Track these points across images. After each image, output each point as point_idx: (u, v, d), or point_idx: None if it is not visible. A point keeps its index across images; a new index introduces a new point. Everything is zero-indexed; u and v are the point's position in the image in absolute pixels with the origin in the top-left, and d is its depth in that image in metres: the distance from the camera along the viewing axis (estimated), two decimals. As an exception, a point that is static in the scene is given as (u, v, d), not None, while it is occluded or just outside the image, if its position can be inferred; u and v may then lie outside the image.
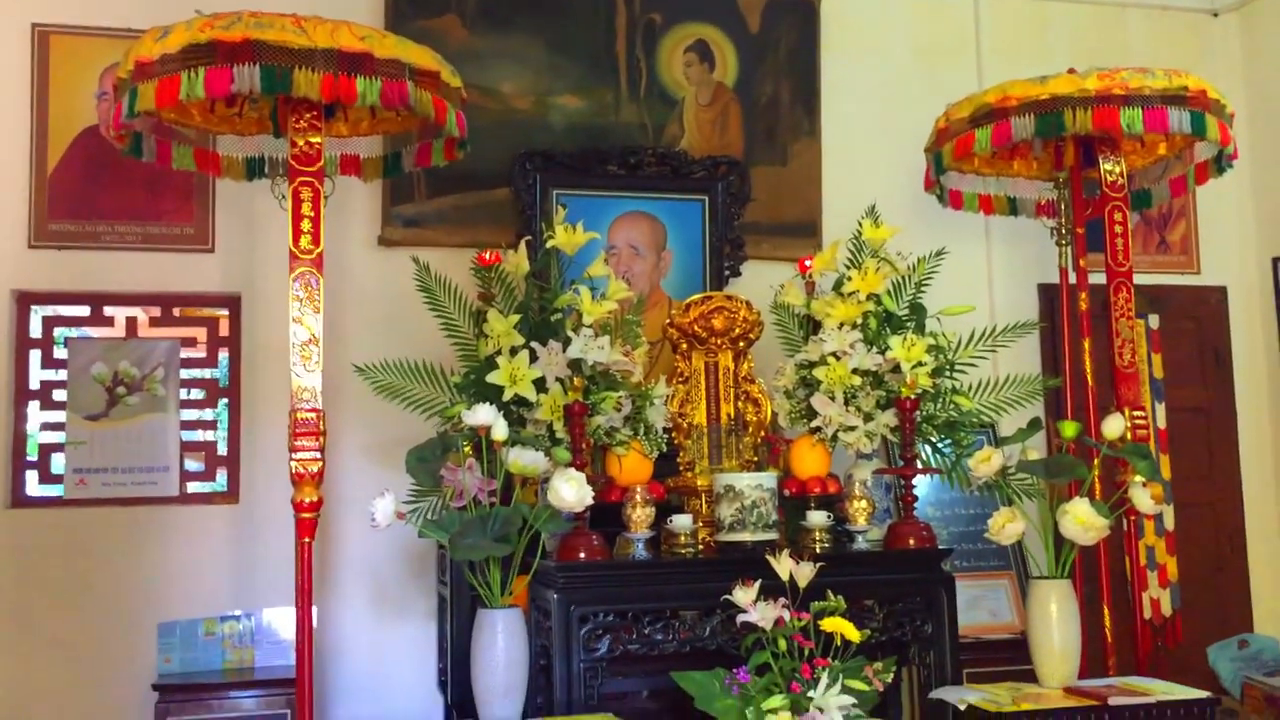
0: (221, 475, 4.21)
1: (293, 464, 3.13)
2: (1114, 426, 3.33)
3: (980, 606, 4.54)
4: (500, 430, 3.07)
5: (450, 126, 3.34)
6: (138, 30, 3.94)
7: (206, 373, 4.23)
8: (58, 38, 4.16)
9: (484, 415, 3.06)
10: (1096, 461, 3.47)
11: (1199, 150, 3.99)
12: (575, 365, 3.48)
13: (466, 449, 3.17)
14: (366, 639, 4.23)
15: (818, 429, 3.69)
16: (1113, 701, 3.06)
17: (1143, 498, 3.32)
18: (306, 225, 3.20)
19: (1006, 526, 3.34)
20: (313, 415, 3.15)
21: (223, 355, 4.25)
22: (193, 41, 2.98)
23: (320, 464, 3.15)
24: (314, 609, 3.25)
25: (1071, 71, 3.70)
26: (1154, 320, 5.06)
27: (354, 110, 3.61)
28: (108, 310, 4.16)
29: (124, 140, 3.44)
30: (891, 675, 3.18)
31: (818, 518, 3.54)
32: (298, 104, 3.19)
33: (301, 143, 3.21)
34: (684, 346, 3.81)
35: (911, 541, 3.53)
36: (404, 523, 3.13)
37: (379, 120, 3.68)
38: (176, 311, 4.22)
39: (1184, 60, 4.59)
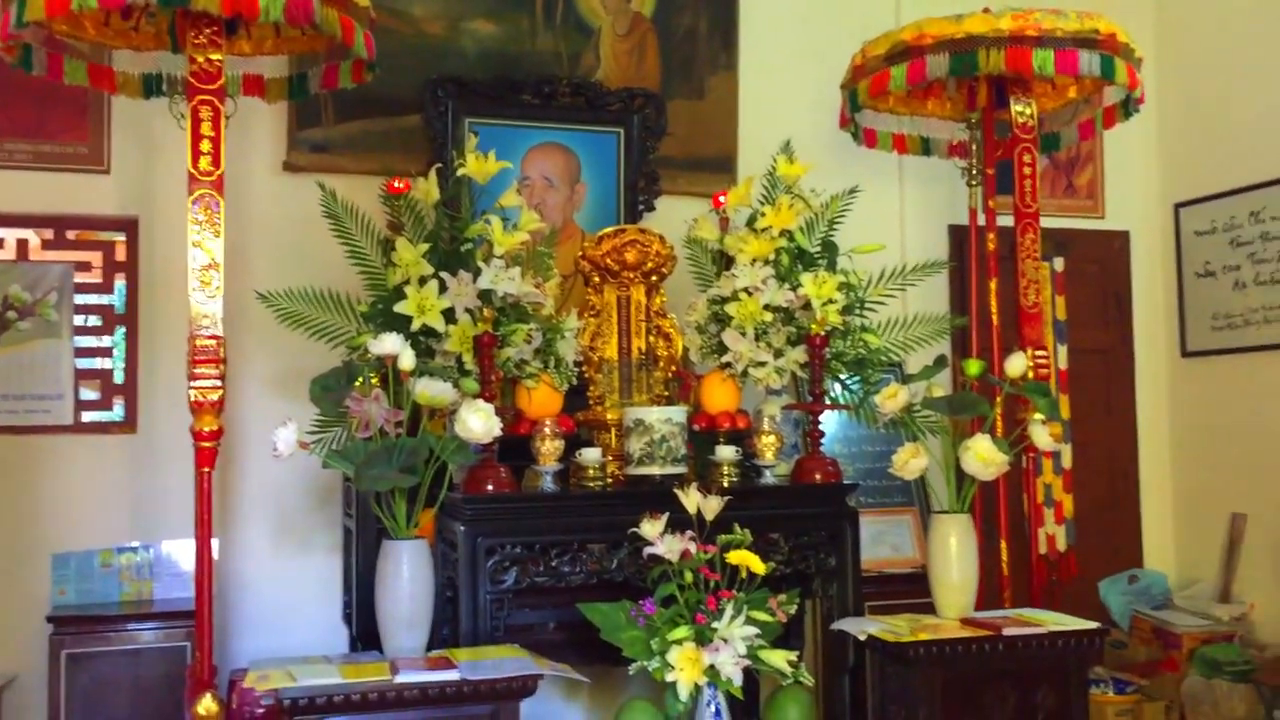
0: (119, 404, 4.09)
1: (192, 392, 3.05)
2: (1016, 365, 3.39)
3: (883, 541, 4.63)
4: (407, 360, 3.02)
5: (358, 47, 3.24)
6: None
7: (102, 298, 4.09)
8: (-61, -59, 3.92)
9: (391, 344, 3.01)
10: (999, 399, 3.54)
11: (1108, 94, 4.04)
12: (485, 296, 3.42)
13: (373, 379, 3.12)
14: (269, 571, 4.17)
15: (728, 364, 3.70)
16: (1007, 632, 3.14)
17: (1042, 435, 3.40)
18: (206, 146, 3.08)
19: (910, 462, 3.39)
20: (212, 342, 3.06)
21: (119, 281, 4.10)
22: (84, -51, 2.83)
23: (220, 392, 3.07)
24: (215, 541, 3.19)
25: (986, 11, 3.71)
26: (1059, 263, 5.15)
27: (257, 28, 3.47)
28: (-4, 231, 4.00)
29: (12, 52, 3.27)
30: (795, 607, 3.25)
31: (726, 452, 3.56)
32: (197, 18, 3.06)
33: (201, 59, 3.09)
34: (596, 280, 3.78)
35: (817, 476, 3.57)
36: (308, 453, 3.08)
37: (283, 39, 3.56)
38: (70, 234, 4.06)
39: (1096, 3, 4.62)
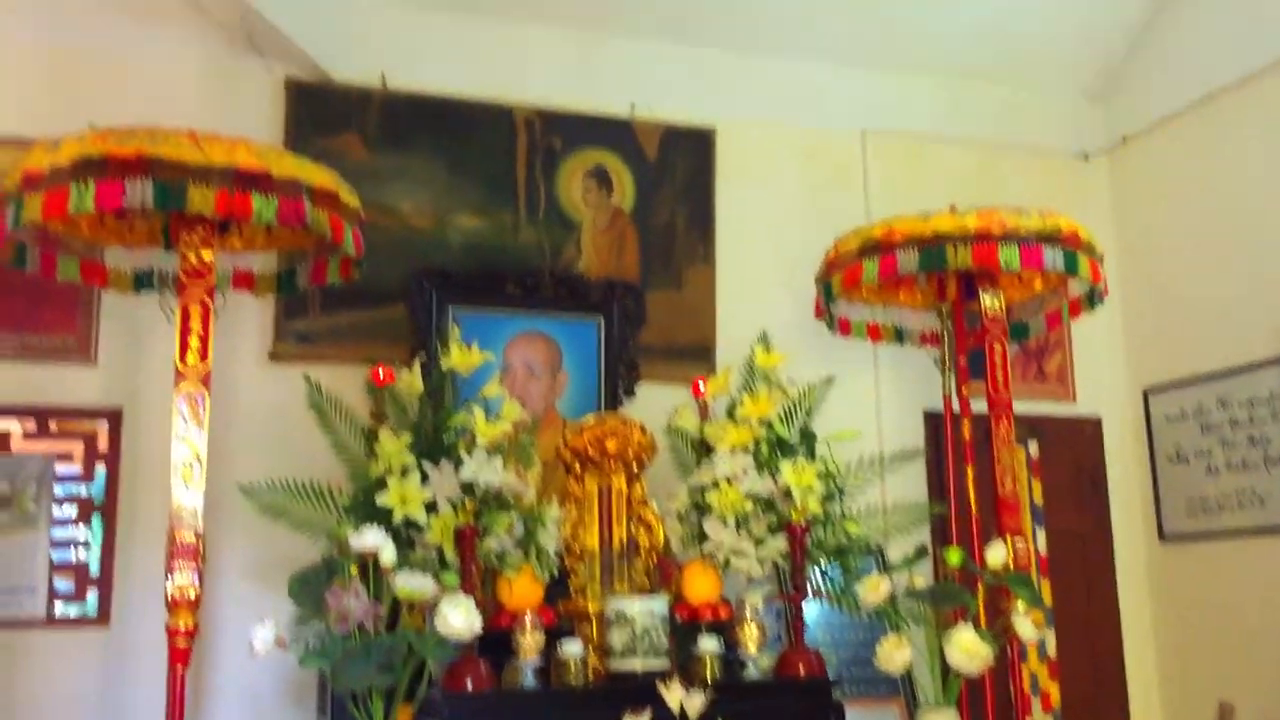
0: (92, 597, 4.02)
1: (169, 588, 3.01)
2: (997, 554, 3.41)
3: (869, 733, 4.53)
4: (389, 555, 3.02)
5: (347, 246, 3.34)
6: (26, 138, 3.94)
7: (82, 489, 4.07)
8: (-57, 144, 4.06)
9: (372, 539, 3.01)
10: (981, 589, 3.54)
11: (1072, 287, 4.18)
12: (467, 487, 3.44)
13: (352, 570, 3.10)
14: (240, 771, 4.04)
15: (710, 553, 3.70)
16: (999, 833, 3.06)
17: (1026, 626, 3.39)
18: (194, 342, 3.14)
19: (894, 654, 3.37)
20: (193, 538, 3.05)
21: (100, 470, 4.09)
22: (84, 155, 2.95)
23: (198, 589, 3.04)
24: (185, 741, 3.10)
25: (952, 209, 3.87)
26: (1033, 447, 5.22)
27: (249, 225, 3.58)
28: (-21, 423, 4.00)
29: (7, 251, 3.35)
30: (781, 807, 3.17)
31: (709, 644, 3.52)
32: (191, 219, 3.16)
33: (193, 257, 3.18)
34: (577, 468, 3.80)
35: (802, 670, 3.53)
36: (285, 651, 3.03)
37: (274, 236, 3.66)
38: (53, 425, 4.07)
39: (1057, 200, 4.81)
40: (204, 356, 3.15)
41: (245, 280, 3.76)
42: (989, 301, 3.96)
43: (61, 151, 2.96)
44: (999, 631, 3.42)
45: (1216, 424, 5.04)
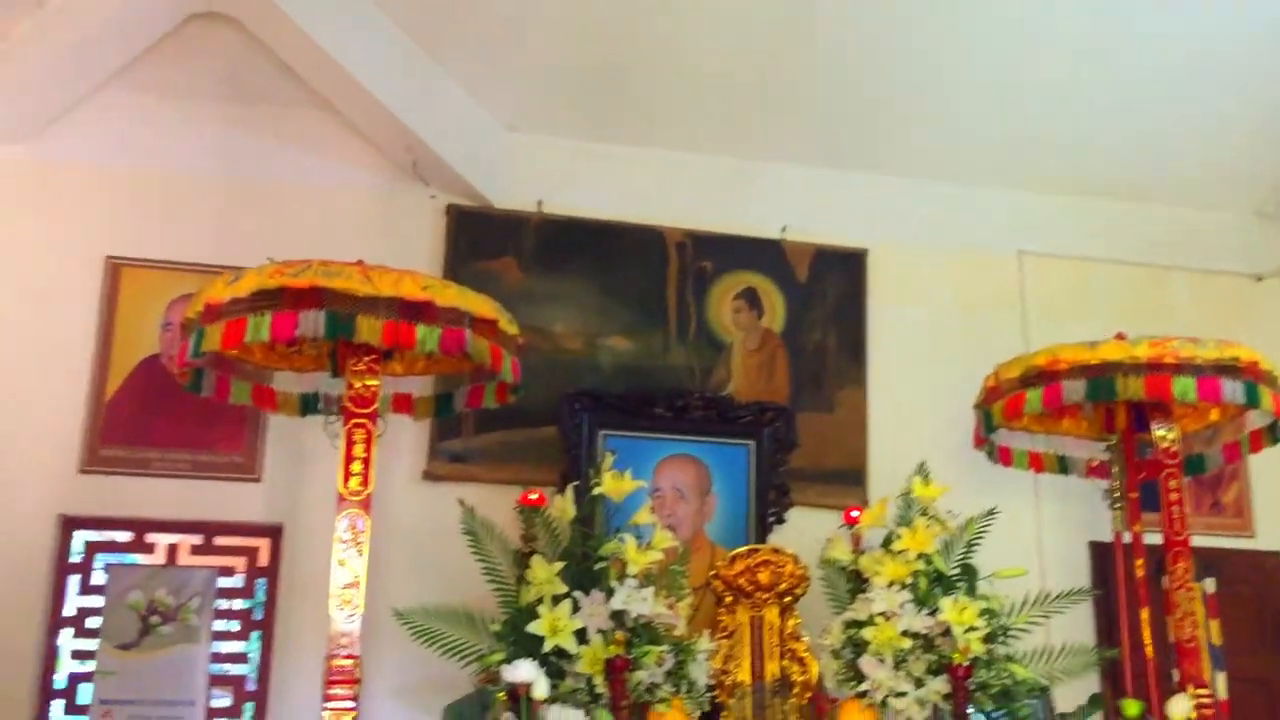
0: (249, 711, 4.08)
1: (325, 714, 3.03)
2: (1179, 708, 3.20)
3: None
4: (541, 689, 2.99)
5: (505, 372, 3.39)
6: (207, 265, 4.15)
7: (242, 603, 4.17)
8: (130, 270, 4.30)
9: (525, 672, 2.99)
10: (1160, 742, 3.32)
11: (1252, 418, 3.96)
12: (618, 617, 3.40)
13: (501, 697, 3.08)
14: None
15: (865, 692, 3.56)
16: None
17: (1213, 786, 3.15)
18: (357, 467, 3.21)
19: (1069, 811, 3.16)
20: (349, 662, 3.07)
21: (260, 585, 4.19)
22: (262, 287, 3.07)
23: (355, 714, 3.05)
24: None
25: (1120, 337, 3.73)
26: (1210, 584, 4.91)
27: (411, 351, 3.66)
28: (150, 537, 4.15)
29: (186, 377, 3.50)
30: None
31: (866, 790, 3.37)
32: (358, 346, 3.25)
33: (359, 385, 3.26)
34: (728, 599, 3.73)
35: (966, 821, 3.34)
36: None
37: (434, 361, 3.73)
38: (218, 540, 4.20)
39: (1227, 323, 4.63)
40: (365, 481, 3.21)
41: (404, 403, 3.84)
42: (1162, 434, 3.78)
43: (241, 284, 3.10)
44: (1183, 791, 3.19)
45: None
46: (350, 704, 3.05)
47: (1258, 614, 5.06)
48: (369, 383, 3.27)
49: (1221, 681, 4.80)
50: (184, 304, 3.58)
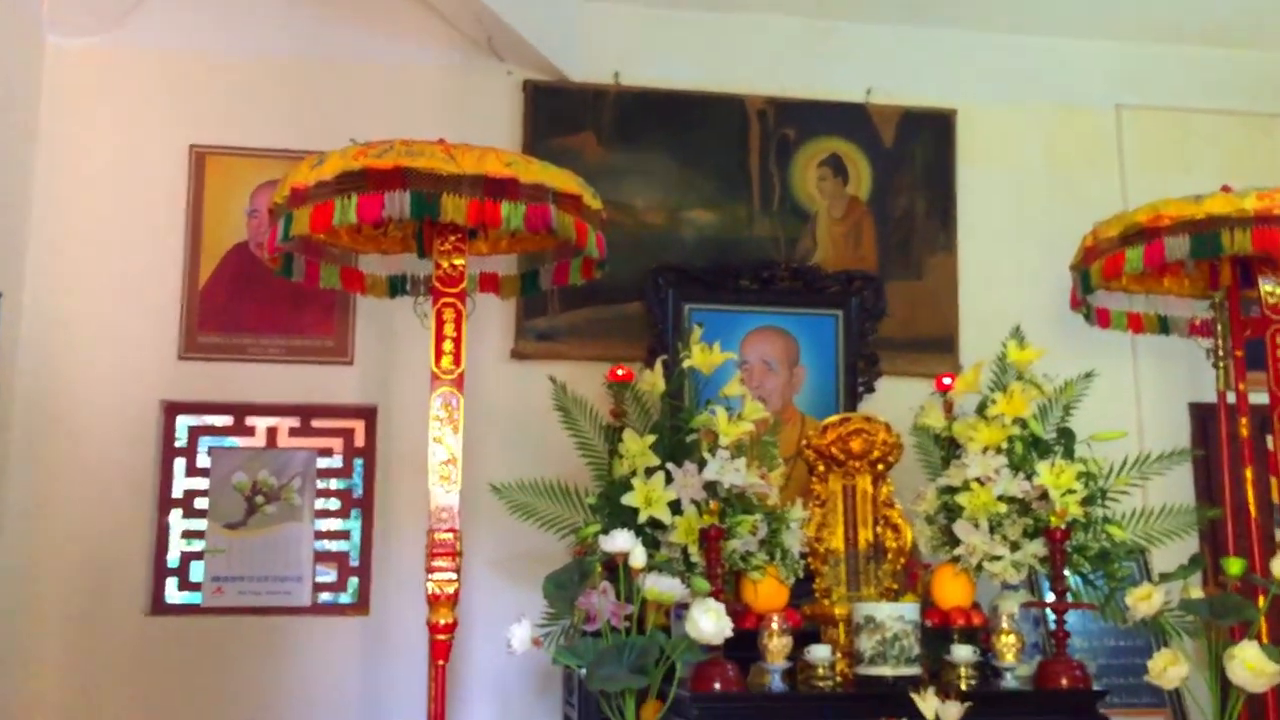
0: (353, 585, 4.22)
1: (429, 585, 3.11)
2: (1286, 566, 3.14)
3: (1131, 746, 4.28)
4: (639, 557, 3.02)
5: (590, 248, 3.37)
6: (288, 150, 4.15)
7: (341, 483, 4.28)
8: (213, 158, 4.33)
9: (622, 542, 3.02)
10: (1265, 601, 3.27)
11: (1364, 270, 3.79)
12: (711, 487, 3.42)
13: (598, 570, 3.13)
14: (490, 758, 4.17)
15: (960, 557, 3.56)
16: None
17: (1319, 643, 3.11)
18: (448, 345, 3.23)
19: (1169, 670, 3.14)
20: (450, 535, 3.14)
21: (358, 465, 4.29)
22: (346, 169, 3.06)
23: (456, 585, 3.13)
24: (443, 729, 3.21)
25: (1227, 189, 3.57)
26: (1314, 442, 4.79)
27: (496, 230, 3.65)
28: (249, 420, 4.26)
29: (277, 262, 3.54)
30: (1046, 827, 3.02)
31: (963, 652, 3.38)
32: (443, 226, 3.24)
33: (446, 265, 3.26)
34: (820, 468, 3.72)
35: (1065, 682, 3.35)
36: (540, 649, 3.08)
37: (519, 239, 3.72)
38: (315, 422, 4.29)
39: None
40: (457, 360, 3.23)
41: (491, 283, 3.84)
42: (1269, 289, 3.64)
43: (326, 167, 3.09)
44: (1287, 649, 3.14)
45: None
46: (452, 575, 3.12)
47: (1365, 472, 4.93)
48: (456, 262, 3.27)
49: (1327, 542, 4.72)
50: (269, 190, 3.61)
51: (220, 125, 4.36)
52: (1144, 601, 3.20)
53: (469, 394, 3.27)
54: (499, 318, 4.41)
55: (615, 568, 3.08)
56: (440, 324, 3.24)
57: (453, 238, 3.26)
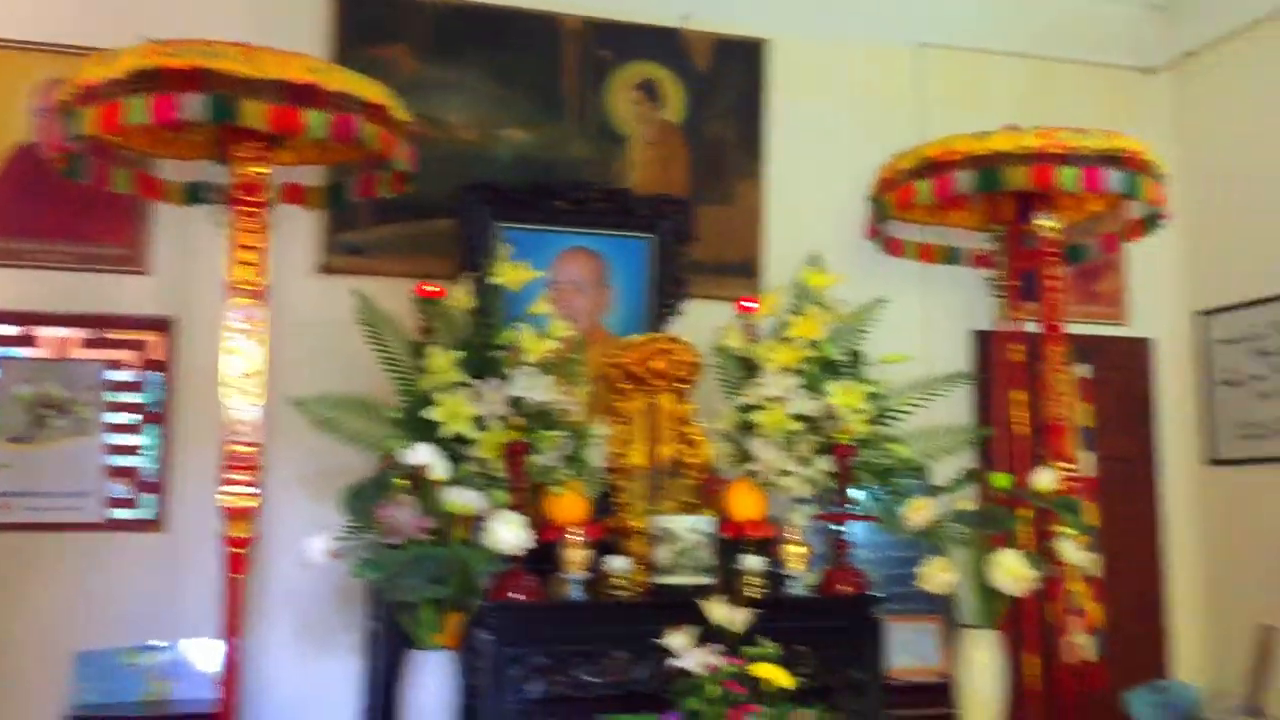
0: (148, 502, 4.12)
1: (226, 499, 3.08)
2: (1045, 480, 3.40)
3: (907, 650, 4.59)
4: (440, 471, 3.05)
5: (398, 160, 3.33)
6: (77, 47, 3.93)
7: (136, 396, 4.14)
8: (-7, 52, 4.07)
9: (423, 454, 3.05)
10: (1027, 513, 3.54)
11: (1132, 208, 4.09)
12: (515, 403, 3.47)
13: (399, 483, 3.15)
14: (289, 672, 4.15)
15: (755, 472, 3.72)
16: (1037, 752, 3.11)
17: (1070, 550, 3.40)
18: (250, 257, 3.17)
19: (939, 576, 3.39)
20: (249, 449, 3.11)
21: (154, 379, 4.16)
22: (139, 67, 2.95)
23: (255, 499, 3.10)
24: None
25: (1011, 128, 3.78)
26: (1084, 370, 5.16)
27: (300, 139, 3.57)
28: (37, 330, 4.07)
29: (62, 161, 3.37)
30: (821, 722, 3.23)
31: (753, 562, 3.55)
32: (243, 133, 3.15)
33: (246, 172, 3.18)
34: (624, 386, 3.82)
35: (845, 588, 3.56)
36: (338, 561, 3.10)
37: (326, 150, 3.65)
38: (108, 334, 4.13)
39: (1117, 116, 4.70)
40: (259, 272, 3.17)
41: (295, 194, 3.76)
42: (1045, 223, 3.89)
43: (117, 64, 2.96)
44: (1044, 555, 3.43)
45: (1272, 348, 4.96)
46: (251, 489, 3.09)
47: (1127, 398, 5.36)
48: (256, 170, 3.20)
49: (1091, 461, 5.11)
50: (58, 87, 3.42)
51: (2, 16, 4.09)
52: (919, 513, 3.43)
53: (275, 308, 3.21)
54: (307, 231, 4.31)
55: (419, 482, 3.11)
56: (239, 234, 3.16)
57: (253, 145, 3.18)
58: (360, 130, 3.13)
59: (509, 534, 3.03)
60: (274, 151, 3.40)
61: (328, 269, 4.33)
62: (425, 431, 3.41)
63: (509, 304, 3.74)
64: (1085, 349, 5.16)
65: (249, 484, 3.09)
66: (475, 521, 3.34)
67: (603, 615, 3.42)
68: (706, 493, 3.85)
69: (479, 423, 3.45)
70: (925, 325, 5.02)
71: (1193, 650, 5.31)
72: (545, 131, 4.66)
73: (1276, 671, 4.85)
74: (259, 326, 3.16)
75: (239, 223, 3.16)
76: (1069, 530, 3.44)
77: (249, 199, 3.18)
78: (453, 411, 3.44)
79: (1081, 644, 4.82)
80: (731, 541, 3.68)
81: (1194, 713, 5.02)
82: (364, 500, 3.05)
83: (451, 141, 4.52)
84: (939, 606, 4.68)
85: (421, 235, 4.43)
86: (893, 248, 4.32)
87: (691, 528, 3.48)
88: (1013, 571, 3.27)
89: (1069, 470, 3.77)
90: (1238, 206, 5.22)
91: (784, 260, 4.52)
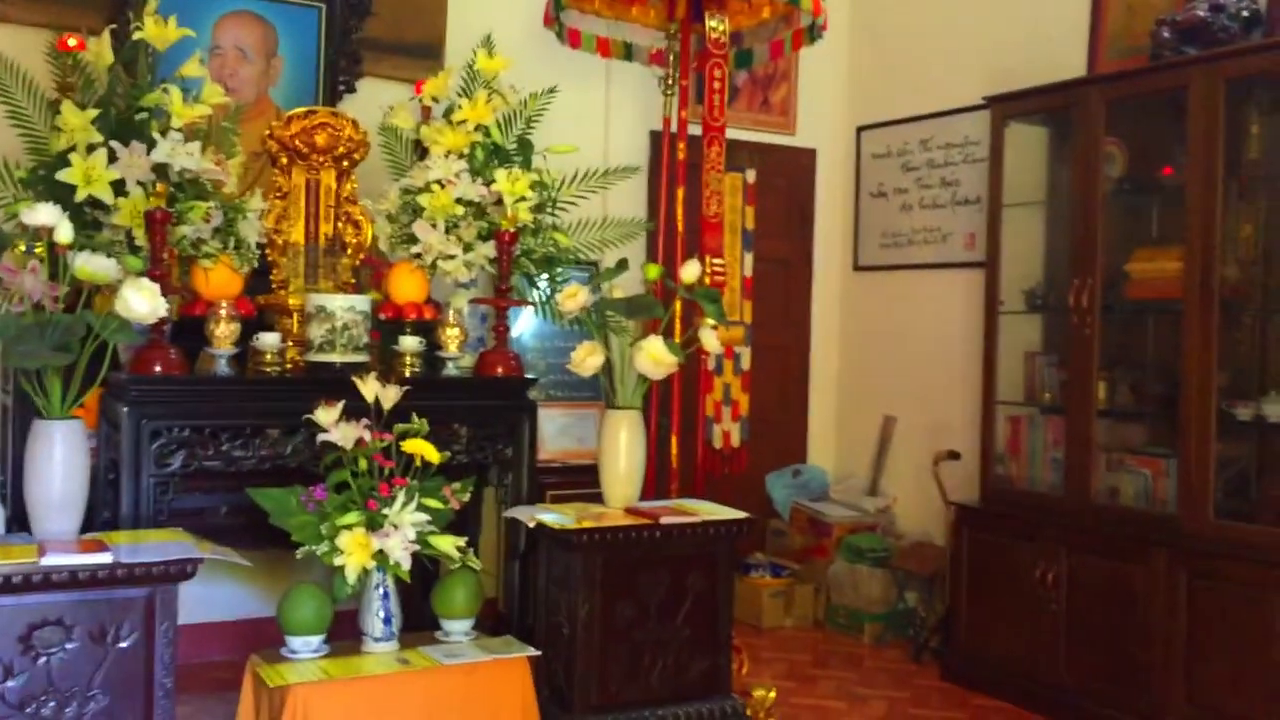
0: None
1: None
2: (690, 272, 3.57)
3: (570, 433, 4.83)
4: (65, 233, 2.86)
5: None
6: None
7: None
8: None
9: (46, 215, 2.83)
10: (676, 303, 3.73)
11: (799, 18, 4.23)
12: (160, 170, 3.28)
13: (19, 247, 2.95)
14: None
15: (418, 255, 3.71)
16: (664, 520, 3.36)
17: (710, 339, 3.60)
18: None
19: (587, 360, 3.53)
20: None
21: None
22: None
23: None
24: None
25: (688, -76, 3.80)
26: (751, 175, 5.40)
27: None
28: None
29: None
30: (469, 495, 3.35)
31: (409, 343, 3.59)
32: None
33: None
34: (284, 161, 3.68)
35: (499, 370, 3.67)
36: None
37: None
38: None
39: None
40: None
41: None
42: (714, 25, 3.97)
43: None
44: (687, 342, 3.63)
45: (916, 164, 5.35)
46: None
47: (788, 203, 5.68)
48: None
49: (749, 261, 5.42)
50: None
51: None
52: (571, 299, 3.54)
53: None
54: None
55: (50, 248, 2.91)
56: None
57: None
58: None
59: (141, 302, 2.89)
60: None
61: (-51, 11, 3.89)
62: (58, 194, 3.17)
63: (159, 65, 3.49)
64: (754, 154, 5.41)
65: None
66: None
67: (249, 391, 3.37)
68: (372, 275, 3.83)
69: (119, 188, 3.25)
70: (608, 121, 5.10)
71: (827, 437, 5.84)
72: (209, -120, 4.28)
73: (892, 456, 5.45)
74: None
75: None
76: (711, 321, 3.63)
77: None
78: (88, 174, 3.21)
79: (730, 430, 5.23)
80: (391, 323, 3.70)
81: (823, 493, 5.59)
82: (-18, 263, 2.83)
83: (99, -121, 4.08)
84: (601, 394, 4.92)
85: (65, -17, 4.03)
86: (571, 38, 4.30)
87: (347, 306, 3.46)
88: (654, 356, 3.43)
89: (717, 265, 3.97)
90: (900, 28, 5.51)
91: (470, 44, 4.39)
